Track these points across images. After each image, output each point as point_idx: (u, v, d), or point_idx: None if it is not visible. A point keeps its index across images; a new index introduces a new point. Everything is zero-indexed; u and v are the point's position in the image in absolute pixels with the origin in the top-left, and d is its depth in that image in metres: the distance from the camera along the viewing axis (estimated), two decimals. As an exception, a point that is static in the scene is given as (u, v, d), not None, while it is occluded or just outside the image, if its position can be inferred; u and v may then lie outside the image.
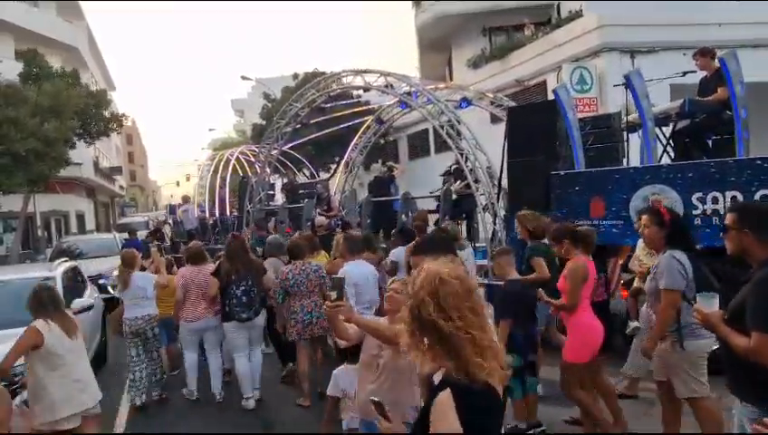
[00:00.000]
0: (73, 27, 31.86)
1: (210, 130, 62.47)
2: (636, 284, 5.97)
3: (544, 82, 18.76)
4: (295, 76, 30.01)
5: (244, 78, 31.86)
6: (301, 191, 14.33)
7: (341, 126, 17.98)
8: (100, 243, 14.95)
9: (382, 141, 27.18)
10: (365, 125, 13.90)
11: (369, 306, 5.54)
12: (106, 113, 21.66)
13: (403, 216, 9.04)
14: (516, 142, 8.08)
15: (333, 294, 2.97)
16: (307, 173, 19.37)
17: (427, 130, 27.08)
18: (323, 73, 30.58)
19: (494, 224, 8.34)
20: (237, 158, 17.67)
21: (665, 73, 14.59)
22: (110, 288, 11.29)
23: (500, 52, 21.44)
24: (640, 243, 5.75)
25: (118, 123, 22.77)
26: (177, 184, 69.99)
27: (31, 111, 14.76)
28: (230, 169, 16.68)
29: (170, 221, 18.23)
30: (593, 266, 4.97)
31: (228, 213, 15.40)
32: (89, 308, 6.77)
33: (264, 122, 30.51)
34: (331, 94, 10.48)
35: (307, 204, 11.19)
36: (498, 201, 8.23)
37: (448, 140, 8.77)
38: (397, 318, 2.08)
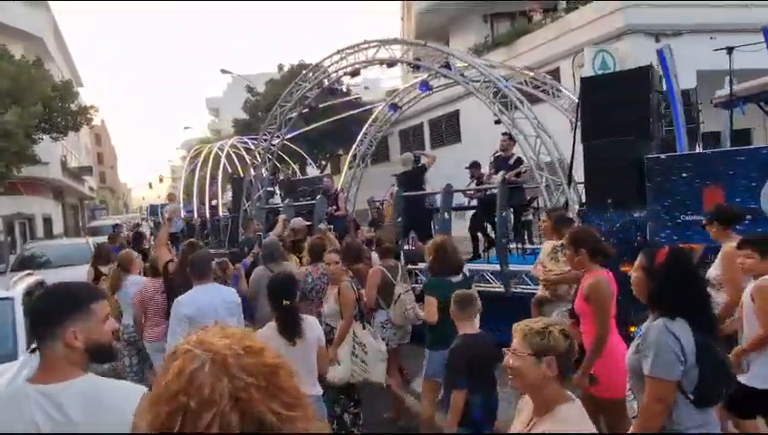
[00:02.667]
0: (37, 15, 29.52)
1: (186, 128, 60.06)
2: (539, 292, 5.36)
3: (557, 70, 17.46)
4: (280, 68, 28.27)
5: (224, 72, 29.77)
6: (300, 188, 12.72)
7: (332, 119, 16.50)
8: (71, 249, 13.00)
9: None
10: (376, 111, 12.31)
11: None
12: (73, 106, 19.65)
13: (446, 214, 7.47)
14: (593, 120, 6.56)
15: None
16: (296, 169, 17.66)
17: (421, 125, 25.64)
18: (311, 65, 28.94)
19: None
20: (227, 152, 15.83)
21: (692, 57, 13.59)
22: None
23: (506, 38, 20.09)
24: (545, 247, 5.32)
25: (86, 118, 20.70)
26: (150, 186, 67.57)
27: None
28: (222, 164, 14.86)
29: (151, 223, 16.35)
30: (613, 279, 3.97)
31: (220, 213, 13.66)
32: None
33: (248, 117, 28.78)
34: (348, 71, 8.85)
35: (319, 200, 9.56)
36: (569, 192, 6.73)
37: (502, 118, 7.24)
38: None
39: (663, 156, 6.03)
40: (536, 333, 2.13)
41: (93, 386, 1.82)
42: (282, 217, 9.36)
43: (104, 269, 7.51)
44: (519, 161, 8.42)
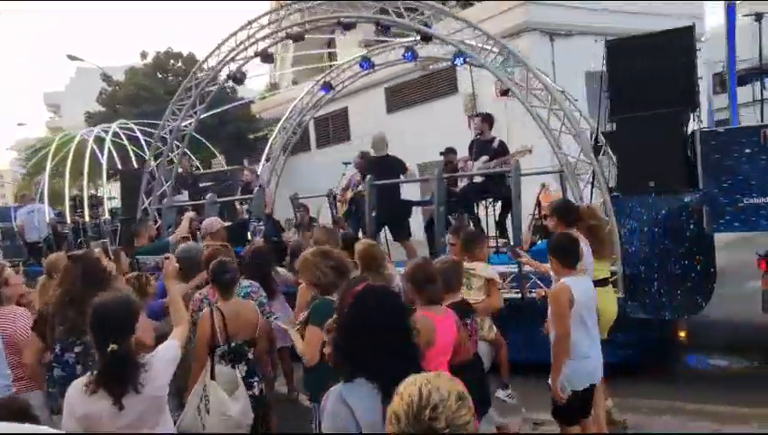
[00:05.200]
0: None
1: (20, 124, 52.43)
2: None
3: (453, 66, 17.03)
4: (144, 55, 25.01)
5: (72, 58, 25.46)
6: (204, 184, 10.65)
7: (209, 113, 14.44)
8: None
9: (252, 136, 23.58)
10: (304, 92, 10.64)
11: None
12: None
13: (441, 207, 6.16)
14: (623, 91, 5.70)
15: None
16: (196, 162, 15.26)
17: (306, 124, 24.07)
18: (179, 54, 26.06)
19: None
20: (108, 141, 12.92)
21: (579, 58, 13.82)
22: None
23: (399, 33, 19.25)
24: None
25: None
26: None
27: None
28: (105, 153, 12.04)
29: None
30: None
31: (106, 215, 11.02)
32: None
33: (104, 108, 25.07)
34: (290, 33, 7.23)
35: (257, 193, 7.72)
36: (599, 173, 5.83)
37: (510, 86, 6.25)
38: None
39: (721, 129, 5.29)
40: None
41: None
42: (189, 214, 7.22)
43: None
44: (503, 145, 7.39)
